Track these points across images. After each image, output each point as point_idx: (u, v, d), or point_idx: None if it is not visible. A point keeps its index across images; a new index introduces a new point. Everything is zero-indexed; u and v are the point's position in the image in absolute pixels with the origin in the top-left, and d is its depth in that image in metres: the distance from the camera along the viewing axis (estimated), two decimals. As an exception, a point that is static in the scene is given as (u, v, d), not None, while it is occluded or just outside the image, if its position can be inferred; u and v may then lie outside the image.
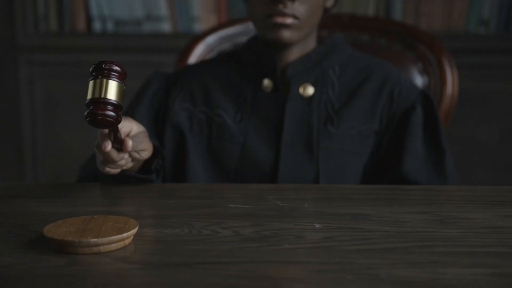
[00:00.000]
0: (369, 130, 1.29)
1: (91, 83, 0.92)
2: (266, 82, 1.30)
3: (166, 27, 2.49)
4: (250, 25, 1.57)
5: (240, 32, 1.59)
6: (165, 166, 1.29)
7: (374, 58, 1.38)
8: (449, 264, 0.76)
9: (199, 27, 2.46)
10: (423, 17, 2.41)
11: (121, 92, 0.93)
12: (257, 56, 1.32)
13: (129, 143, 1.03)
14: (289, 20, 1.23)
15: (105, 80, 0.91)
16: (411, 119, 1.29)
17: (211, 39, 1.59)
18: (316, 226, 0.91)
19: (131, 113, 1.31)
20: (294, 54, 1.31)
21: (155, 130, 1.32)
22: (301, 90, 1.29)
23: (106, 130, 1.01)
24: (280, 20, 1.23)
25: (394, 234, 0.87)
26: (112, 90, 0.91)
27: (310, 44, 1.33)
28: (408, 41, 1.54)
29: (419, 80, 1.52)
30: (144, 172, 1.18)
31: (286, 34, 1.25)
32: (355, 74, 1.33)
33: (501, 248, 0.82)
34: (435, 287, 0.70)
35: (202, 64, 1.42)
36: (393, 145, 1.29)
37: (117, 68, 0.92)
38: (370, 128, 1.29)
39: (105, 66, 0.92)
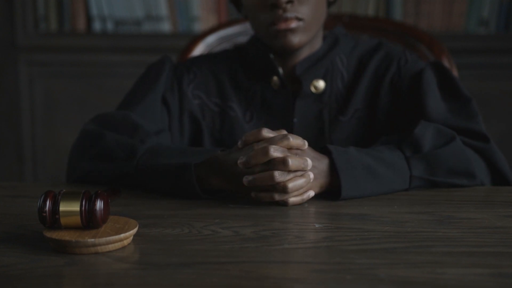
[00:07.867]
0: (375, 108, 1.28)
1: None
2: (275, 79, 1.28)
3: (166, 27, 2.49)
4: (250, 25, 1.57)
5: (240, 32, 1.59)
6: None
7: (375, 39, 1.36)
8: (449, 264, 0.76)
9: (199, 27, 2.46)
10: (423, 17, 2.41)
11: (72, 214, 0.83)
12: (259, 57, 1.30)
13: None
14: (293, 24, 1.19)
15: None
16: (423, 78, 1.25)
17: (211, 39, 1.59)
18: (316, 226, 0.91)
19: (141, 91, 1.29)
20: (302, 55, 1.28)
21: (165, 110, 1.29)
22: (312, 87, 1.27)
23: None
24: (283, 26, 1.19)
25: (394, 234, 0.87)
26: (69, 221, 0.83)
27: (317, 44, 1.30)
28: (408, 41, 1.54)
29: (419, 80, 1.52)
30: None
31: (294, 39, 1.21)
32: (358, 60, 1.31)
33: (501, 248, 0.81)
34: (435, 287, 0.70)
35: (212, 56, 1.38)
36: (411, 106, 1.25)
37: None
38: (374, 105, 1.28)
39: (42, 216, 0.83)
